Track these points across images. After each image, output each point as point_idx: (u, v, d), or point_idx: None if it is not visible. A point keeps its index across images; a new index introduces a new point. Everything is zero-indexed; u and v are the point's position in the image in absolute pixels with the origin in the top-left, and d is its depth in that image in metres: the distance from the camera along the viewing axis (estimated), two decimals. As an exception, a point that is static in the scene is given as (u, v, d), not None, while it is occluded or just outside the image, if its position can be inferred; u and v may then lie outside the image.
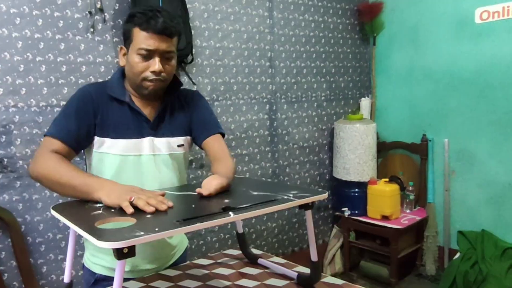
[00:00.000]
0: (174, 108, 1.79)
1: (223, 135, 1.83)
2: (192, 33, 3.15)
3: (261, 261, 1.78)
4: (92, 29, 2.79)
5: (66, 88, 2.70)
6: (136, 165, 1.70)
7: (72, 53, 2.73)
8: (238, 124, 3.55)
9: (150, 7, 1.63)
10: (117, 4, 2.90)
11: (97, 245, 0.97)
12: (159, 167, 1.73)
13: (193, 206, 1.32)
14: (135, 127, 1.69)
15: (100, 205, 1.33)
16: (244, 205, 1.23)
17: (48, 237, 2.69)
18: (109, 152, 1.67)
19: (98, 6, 2.80)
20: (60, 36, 2.68)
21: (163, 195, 1.35)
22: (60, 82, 2.69)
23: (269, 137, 3.77)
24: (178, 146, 1.78)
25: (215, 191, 1.40)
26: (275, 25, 3.74)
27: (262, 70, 3.68)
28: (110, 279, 1.72)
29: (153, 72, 1.60)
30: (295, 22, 3.88)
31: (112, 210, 1.25)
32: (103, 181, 1.42)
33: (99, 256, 1.76)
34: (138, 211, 1.24)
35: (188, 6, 3.11)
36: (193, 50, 3.19)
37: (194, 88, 3.24)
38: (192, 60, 3.21)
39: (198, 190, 1.41)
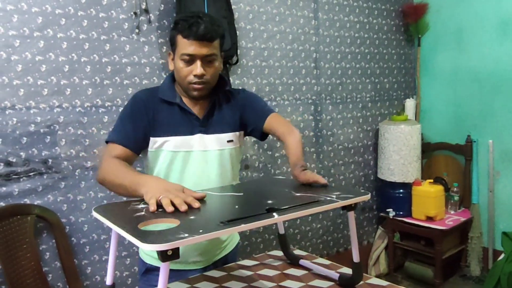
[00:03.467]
0: (223, 106, 1.74)
1: None
2: (237, 34, 2.90)
3: (302, 262, 1.67)
4: (137, 30, 2.56)
5: (111, 89, 2.48)
6: (186, 161, 1.66)
7: (117, 54, 2.50)
8: (283, 125, 3.28)
9: (193, 13, 1.62)
10: (162, 5, 2.66)
11: (140, 247, 0.93)
12: (209, 163, 1.68)
13: (236, 207, 1.25)
14: (185, 125, 1.66)
15: (143, 206, 1.25)
16: (288, 206, 1.16)
17: (93, 238, 2.48)
18: (161, 149, 1.65)
19: (143, 7, 2.57)
20: (105, 37, 2.46)
21: (202, 197, 1.29)
22: (105, 82, 2.47)
23: (314, 138, 3.49)
24: (228, 141, 1.72)
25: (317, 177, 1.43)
26: (320, 26, 3.44)
27: (307, 71, 3.40)
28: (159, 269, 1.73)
29: (195, 75, 1.58)
30: (340, 23, 3.57)
31: (155, 212, 1.17)
32: (148, 178, 1.40)
33: None
34: (182, 212, 1.18)
35: (233, 7, 2.86)
36: (238, 51, 2.94)
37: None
38: (237, 61, 2.95)
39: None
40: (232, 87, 2.93)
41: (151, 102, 1.65)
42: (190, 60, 1.56)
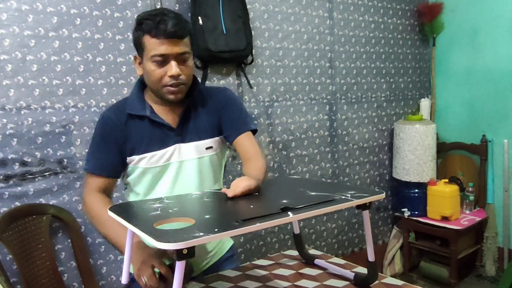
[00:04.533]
0: (198, 109, 1.58)
1: (254, 131, 1.62)
2: (252, 34, 2.79)
3: (317, 261, 1.63)
4: (152, 30, 2.51)
5: (126, 89, 2.40)
6: (165, 174, 1.54)
7: (132, 54, 2.39)
8: (298, 125, 3.17)
9: (156, 10, 1.47)
10: (177, 5, 2.57)
11: (156, 246, 0.89)
12: (188, 172, 1.55)
13: (251, 206, 1.19)
14: (159, 138, 1.52)
15: (158, 205, 1.21)
16: (302, 205, 1.13)
17: (108, 238, 2.43)
18: (138, 166, 1.52)
19: (158, 6, 2.47)
20: (120, 37, 2.38)
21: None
22: (120, 82, 2.39)
23: (329, 138, 3.38)
24: (207, 148, 1.58)
25: (240, 193, 1.24)
26: (335, 26, 3.33)
27: (322, 70, 3.29)
28: None
29: (171, 76, 1.41)
30: (355, 23, 3.46)
31: (170, 211, 1.14)
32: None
33: None
34: (197, 211, 1.19)
35: (248, 7, 2.75)
36: (253, 51, 2.84)
37: (254, 89, 2.91)
38: (252, 61, 2.86)
39: (224, 190, 1.28)
40: (246, 87, 2.89)
41: (120, 121, 1.51)
42: (163, 61, 1.40)
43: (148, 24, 1.39)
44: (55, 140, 2.24)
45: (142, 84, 1.57)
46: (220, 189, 1.37)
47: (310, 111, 3.25)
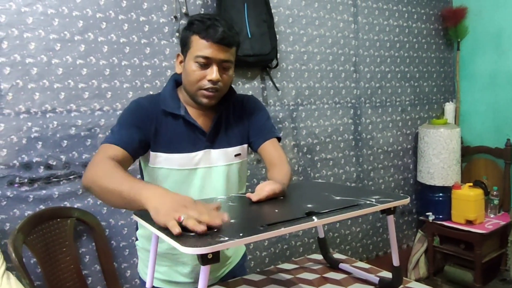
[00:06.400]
0: (230, 117, 1.49)
1: (279, 139, 1.54)
2: (277, 38, 2.64)
3: (342, 266, 1.56)
4: (177, 34, 2.32)
5: (151, 92, 2.24)
6: (192, 179, 1.41)
7: (157, 57, 2.28)
8: (322, 129, 3.00)
9: (209, 15, 1.36)
10: (202, 9, 2.42)
11: (181, 250, 0.85)
12: (215, 179, 1.44)
13: (276, 211, 1.13)
14: (190, 140, 1.40)
15: None
16: (327, 210, 1.08)
17: (132, 241, 2.24)
18: (163, 166, 1.39)
19: (184, 11, 2.34)
20: (145, 41, 2.25)
21: (218, 207, 1.02)
22: (145, 86, 2.25)
23: (353, 142, 3.19)
24: (235, 156, 1.48)
25: (265, 197, 1.17)
26: (360, 30, 3.14)
27: (347, 74, 3.10)
28: None
29: (210, 81, 1.32)
30: (380, 27, 3.26)
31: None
32: (154, 189, 1.04)
33: None
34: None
35: (273, 11, 2.60)
36: (278, 55, 2.67)
37: (279, 93, 2.75)
38: (277, 64, 2.69)
39: (248, 195, 1.20)
40: (271, 91, 2.73)
41: (154, 113, 1.37)
42: (205, 64, 1.31)
43: (199, 25, 1.31)
44: (80, 143, 2.11)
45: (176, 83, 1.47)
46: (244, 194, 1.27)
47: (334, 115, 3.07)
